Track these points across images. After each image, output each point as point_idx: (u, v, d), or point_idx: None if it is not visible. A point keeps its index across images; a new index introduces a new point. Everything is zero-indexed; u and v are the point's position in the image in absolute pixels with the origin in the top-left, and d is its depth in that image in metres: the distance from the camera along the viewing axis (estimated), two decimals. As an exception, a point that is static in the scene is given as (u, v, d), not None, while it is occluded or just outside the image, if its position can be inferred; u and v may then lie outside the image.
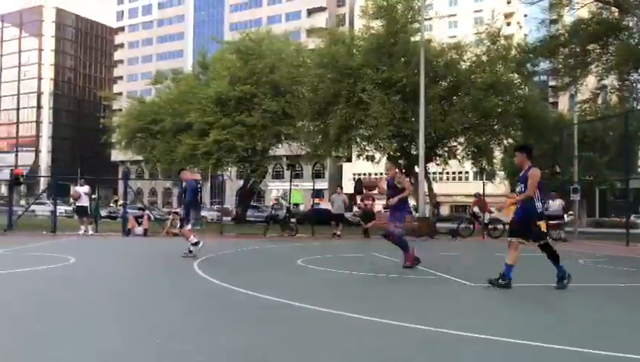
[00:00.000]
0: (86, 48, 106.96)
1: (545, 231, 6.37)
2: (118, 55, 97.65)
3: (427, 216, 19.61)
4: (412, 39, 22.21)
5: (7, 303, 5.20)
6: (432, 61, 21.27)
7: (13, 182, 18.70)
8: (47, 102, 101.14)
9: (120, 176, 75.66)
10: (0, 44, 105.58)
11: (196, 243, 9.59)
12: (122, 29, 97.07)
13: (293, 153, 31.07)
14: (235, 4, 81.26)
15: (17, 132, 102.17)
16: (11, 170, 23.77)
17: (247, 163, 30.69)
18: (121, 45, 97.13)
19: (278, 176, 61.42)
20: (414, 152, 22.25)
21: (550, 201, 17.30)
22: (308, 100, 22.39)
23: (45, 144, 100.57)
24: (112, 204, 38.41)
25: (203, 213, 36.70)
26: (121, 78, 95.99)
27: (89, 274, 7.58)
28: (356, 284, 7.01)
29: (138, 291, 6.22)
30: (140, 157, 40.43)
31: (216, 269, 8.17)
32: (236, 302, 5.37)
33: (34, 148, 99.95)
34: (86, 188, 16.77)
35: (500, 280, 6.23)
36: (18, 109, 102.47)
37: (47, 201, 31.00)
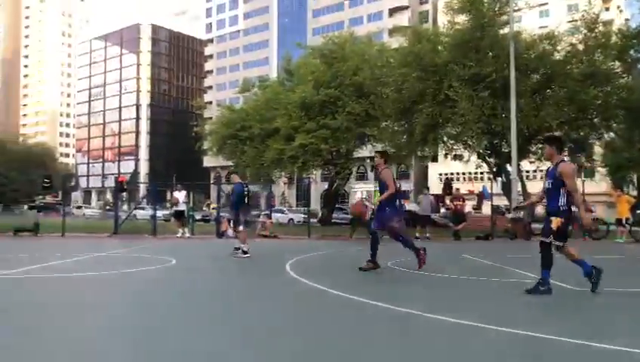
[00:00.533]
0: (178, 61, 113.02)
1: (554, 229, 5.70)
2: (207, 66, 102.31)
3: (521, 216, 18.71)
4: (500, 32, 21.37)
5: (118, 302, 5.57)
6: (522, 53, 20.34)
7: (118, 188, 20.10)
8: (144, 113, 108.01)
9: (212, 180, 79.31)
10: (104, 62, 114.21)
11: (245, 251, 9.92)
12: (211, 40, 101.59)
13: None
14: (317, 9, 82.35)
15: (120, 142, 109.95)
16: (116, 177, 25.52)
17: (332, 165, 30.96)
18: (210, 56, 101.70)
19: (362, 177, 61.39)
20: (505, 150, 21.36)
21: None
22: (392, 100, 22.18)
23: (144, 152, 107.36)
24: (204, 208, 40.18)
25: (291, 216, 37.65)
26: (210, 87, 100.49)
27: (190, 275, 7.94)
28: (452, 287, 6.81)
29: (236, 291, 6.43)
30: (230, 163, 42.03)
31: (307, 270, 8.27)
32: (329, 303, 5.40)
33: (134, 157, 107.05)
34: (183, 193, 17.66)
35: (592, 280, 5.71)
36: (120, 121, 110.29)
37: (147, 206, 33.09)
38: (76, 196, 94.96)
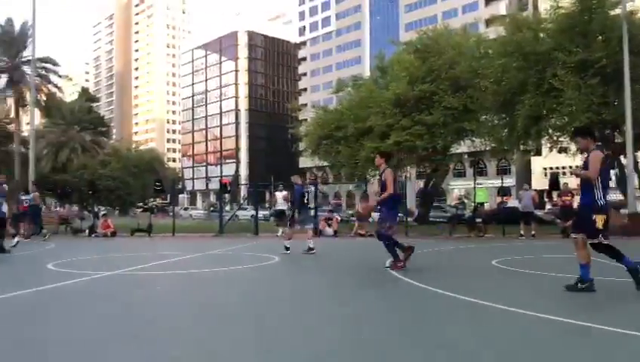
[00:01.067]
0: (274, 65, 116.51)
1: (601, 228, 5.41)
2: (301, 68, 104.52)
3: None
4: (611, 13, 19.78)
5: (228, 297, 5.85)
6: (637, 35, 18.68)
7: (222, 190, 21.13)
8: (243, 117, 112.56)
9: (308, 181, 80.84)
10: (205, 70, 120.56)
11: (287, 248, 10.62)
12: (304, 43, 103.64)
13: (476, 149, 29.86)
14: (409, 4, 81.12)
15: (221, 146, 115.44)
16: (220, 180, 26.82)
17: (428, 162, 30.31)
18: (304, 59, 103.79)
19: (460, 174, 59.55)
20: (619, 140, 19.75)
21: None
22: (491, 92, 21.32)
23: (244, 155, 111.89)
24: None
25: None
26: (305, 89, 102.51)
27: (294, 272, 8.17)
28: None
29: (340, 287, 6.51)
30: (325, 163, 42.63)
31: (408, 269, 8.18)
32: (436, 303, 5.31)
33: (235, 160, 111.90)
34: (284, 194, 18.16)
35: (578, 284, 5.55)
36: (221, 126, 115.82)
37: (248, 207, 34.51)
38: (183, 198, 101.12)
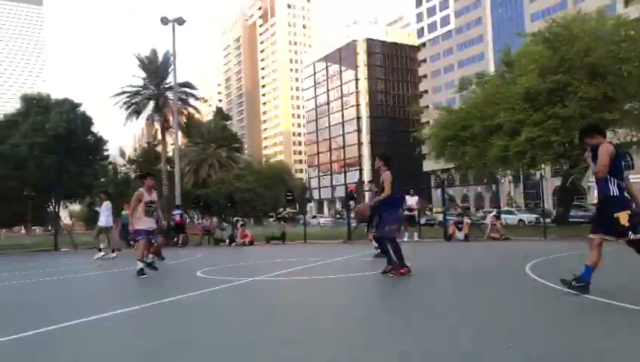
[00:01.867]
0: (393, 70, 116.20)
1: (627, 224, 5.08)
2: (421, 70, 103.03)
3: None
4: None
5: (368, 301, 5.97)
6: None
7: (348, 197, 21.53)
8: (365, 125, 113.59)
9: (432, 185, 79.32)
10: (326, 81, 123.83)
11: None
12: (424, 44, 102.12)
13: (620, 141, 27.22)
14: (534, -7, 76.45)
15: (344, 155, 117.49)
16: (346, 186, 27.33)
17: (565, 159, 28.20)
18: (424, 60, 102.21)
19: (603, 169, 54.42)
20: None
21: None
22: (636, 77, 19.34)
23: (367, 162, 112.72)
24: (427, 212, 40.37)
25: (520, 216, 35.41)
26: (426, 91, 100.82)
27: (427, 278, 8.09)
28: None
29: (480, 292, 6.34)
30: (450, 165, 41.52)
31: (550, 273, 7.71)
32: (580, 307, 4.97)
33: (358, 168, 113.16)
34: (415, 199, 18.06)
35: (573, 282, 5.31)
36: (344, 135, 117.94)
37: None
38: (310, 207, 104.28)
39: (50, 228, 35.95)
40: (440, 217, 33.05)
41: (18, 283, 9.22)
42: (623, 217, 5.13)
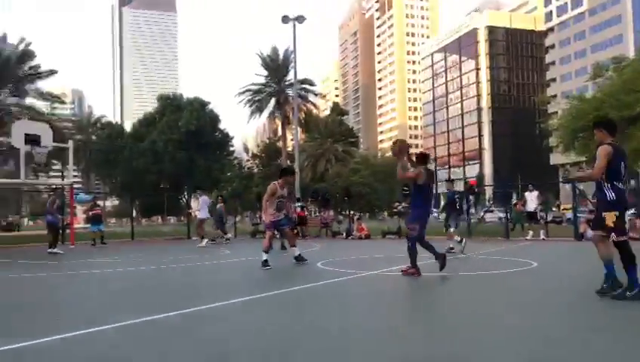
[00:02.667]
0: (517, 58, 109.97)
1: (611, 225, 5.13)
2: (549, 57, 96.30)
3: None
4: None
5: (486, 301, 5.78)
6: None
7: (469, 192, 20.84)
8: (486, 116, 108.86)
9: (560, 179, 73.94)
10: (445, 72, 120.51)
11: (451, 248, 11.38)
12: (552, 29, 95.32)
13: None
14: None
15: (463, 148, 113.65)
16: (466, 181, 26.48)
17: None
18: (552, 46, 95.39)
19: None
20: None
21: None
22: None
23: (488, 155, 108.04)
24: (554, 208, 37.82)
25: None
26: (554, 80, 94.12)
27: (559, 279, 7.64)
28: None
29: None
30: (581, 158, 38.48)
31: None
32: None
33: (478, 161, 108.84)
34: (535, 194, 17.07)
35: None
36: (463, 127, 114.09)
37: (494, 209, 33.27)
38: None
39: (182, 218, 39.11)
40: (569, 214, 30.80)
41: (160, 268, 10.17)
42: (610, 217, 5.17)
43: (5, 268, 10.80)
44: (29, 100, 27.38)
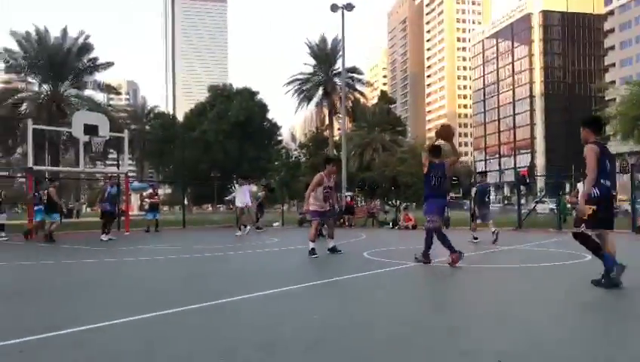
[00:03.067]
0: (573, 43, 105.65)
1: (586, 218, 5.45)
2: (607, 42, 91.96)
3: None
4: None
5: (532, 294, 5.71)
6: None
7: (521, 182, 20.33)
8: (538, 104, 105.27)
9: (618, 169, 70.71)
10: (496, 59, 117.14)
11: (475, 238, 12.22)
12: (611, 12, 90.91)
13: None
14: None
15: (514, 136, 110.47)
16: (517, 171, 25.82)
17: None
18: (611, 30, 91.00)
19: None
20: None
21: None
22: None
23: (540, 144, 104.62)
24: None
25: None
26: (613, 65, 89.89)
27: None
28: None
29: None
30: (641, 148, 36.82)
31: None
32: None
33: (529, 150, 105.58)
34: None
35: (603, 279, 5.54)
36: (514, 115, 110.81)
37: (546, 200, 32.29)
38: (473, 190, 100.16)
39: (231, 206, 39.93)
40: (626, 206, 29.55)
41: (214, 255, 10.51)
42: (588, 210, 5.42)
43: (71, 254, 11.42)
44: (87, 92, 28.56)
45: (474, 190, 13.54)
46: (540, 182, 63.01)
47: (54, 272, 8.12)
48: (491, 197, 13.86)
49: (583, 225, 5.52)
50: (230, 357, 3.27)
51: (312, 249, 9.19)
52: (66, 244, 13.22)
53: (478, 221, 12.79)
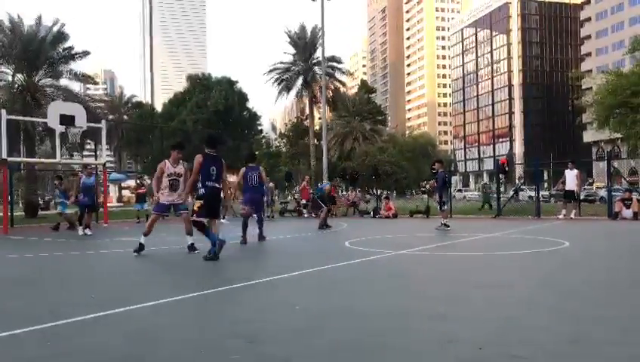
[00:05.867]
0: (550, 32, 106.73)
1: (195, 209, 7.63)
2: (584, 31, 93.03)
3: None
4: None
5: (526, 280, 5.77)
6: None
7: (500, 170, 20.52)
8: (517, 93, 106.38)
9: (594, 157, 72.01)
10: (475, 48, 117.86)
11: (447, 225, 12.68)
12: (588, 1, 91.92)
13: None
14: None
15: (493, 125, 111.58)
16: (496, 160, 26.07)
17: None
18: (588, 19, 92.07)
19: None
20: None
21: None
22: None
23: (518, 133, 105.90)
24: (586, 187, 36.99)
25: None
26: (589, 54, 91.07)
27: (591, 259, 7.54)
28: None
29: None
30: (616, 135, 37.49)
31: None
32: None
33: (508, 139, 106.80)
34: (574, 173, 16.71)
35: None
36: (493, 104, 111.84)
37: (524, 187, 32.72)
38: (455, 180, 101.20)
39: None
40: (601, 193, 30.10)
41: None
42: (196, 204, 7.66)
43: (51, 246, 11.19)
44: (63, 81, 27.91)
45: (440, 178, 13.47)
46: (519, 170, 63.86)
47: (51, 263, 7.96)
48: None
49: (194, 215, 7.67)
50: (217, 347, 3.23)
51: (140, 244, 8.30)
52: (34, 237, 12.96)
53: (445, 207, 13.28)
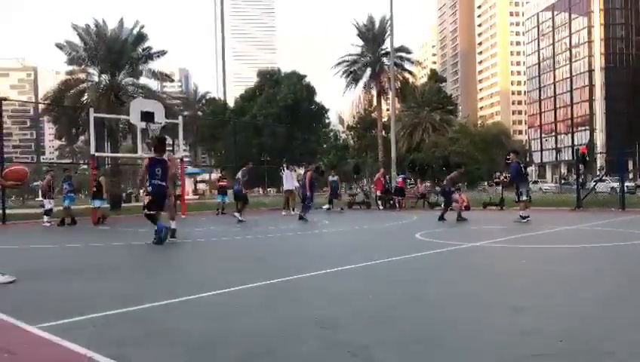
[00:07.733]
0: (637, 12, 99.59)
1: (146, 203, 8.80)
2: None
3: None
4: None
5: (596, 274, 5.55)
6: None
7: (580, 160, 19.54)
8: (598, 78, 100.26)
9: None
10: (552, 33, 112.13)
11: (526, 217, 12.18)
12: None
13: None
14: None
15: (572, 113, 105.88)
16: (576, 149, 24.85)
17: None
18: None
19: None
20: None
21: None
22: None
23: (599, 121, 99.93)
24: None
25: None
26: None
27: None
28: None
29: None
30: None
31: None
32: None
33: (587, 127, 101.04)
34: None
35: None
36: (572, 91, 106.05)
37: (607, 178, 30.88)
38: (530, 171, 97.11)
39: (281, 189, 40.40)
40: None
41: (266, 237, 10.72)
42: (147, 199, 8.83)
43: (141, 236, 11.90)
44: (142, 80, 29.36)
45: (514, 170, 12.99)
46: (600, 160, 60.36)
47: (129, 253, 8.54)
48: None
49: (146, 209, 8.72)
50: (293, 333, 3.37)
51: (172, 230, 9.26)
52: (130, 228, 13.79)
53: (524, 198, 12.62)
